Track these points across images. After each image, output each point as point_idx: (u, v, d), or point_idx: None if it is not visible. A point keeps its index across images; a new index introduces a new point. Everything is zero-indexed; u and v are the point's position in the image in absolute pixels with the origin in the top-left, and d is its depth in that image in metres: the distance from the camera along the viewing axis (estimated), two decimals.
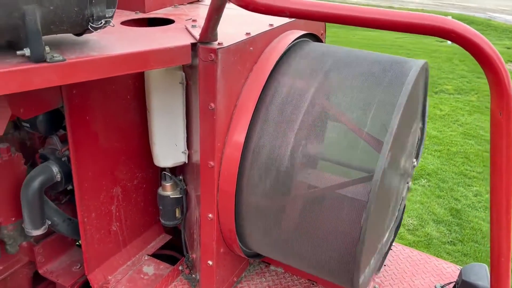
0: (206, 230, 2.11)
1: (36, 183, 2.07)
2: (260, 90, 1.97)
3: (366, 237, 1.69)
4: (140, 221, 2.65)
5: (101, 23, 1.49)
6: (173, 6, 2.48)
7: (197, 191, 2.21)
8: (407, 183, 2.30)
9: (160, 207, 2.50)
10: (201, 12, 2.44)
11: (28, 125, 2.11)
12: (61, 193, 2.50)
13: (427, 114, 2.26)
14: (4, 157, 2.08)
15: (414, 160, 2.26)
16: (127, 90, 2.24)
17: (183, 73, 2.08)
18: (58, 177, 2.17)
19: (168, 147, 2.27)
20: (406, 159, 2.09)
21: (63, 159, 2.21)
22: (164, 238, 2.80)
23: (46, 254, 2.50)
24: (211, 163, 1.95)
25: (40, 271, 2.49)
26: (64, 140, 2.27)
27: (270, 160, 1.92)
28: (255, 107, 1.97)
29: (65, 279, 2.46)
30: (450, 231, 5.63)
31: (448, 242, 5.42)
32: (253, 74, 2.01)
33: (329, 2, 1.35)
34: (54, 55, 1.44)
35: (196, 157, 2.21)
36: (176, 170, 2.44)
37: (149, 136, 2.38)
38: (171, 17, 2.20)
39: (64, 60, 1.44)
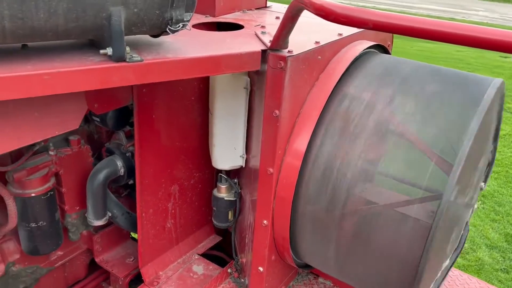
0: (260, 236, 2.11)
1: (101, 176, 2.15)
2: (325, 100, 1.95)
3: (427, 263, 1.62)
4: (193, 220, 2.69)
5: (179, 26, 1.53)
6: (241, 11, 2.50)
7: (252, 196, 2.22)
8: (472, 206, 2.19)
9: (214, 208, 2.53)
10: (269, 18, 2.45)
11: (98, 119, 2.20)
12: (121, 187, 2.60)
13: (499, 135, 2.14)
14: (74, 149, 2.19)
15: (482, 183, 2.15)
16: (192, 92, 2.29)
17: (248, 78, 2.10)
18: (122, 171, 2.25)
19: (227, 150, 2.30)
20: (475, 182, 1.99)
21: (127, 154, 2.29)
22: (214, 239, 2.84)
23: (103, 244, 2.60)
24: (270, 169, 1.94)
25: (97, 260, 2.60)
26: (129, 136, 2.35)
27: (330, 171, 1.89)
28: (319, 116, 1.94)
29: (119, 270, 2.55)
30: (504, 258, 5.31)
31: (501, 269, 5.11)
32: (319, 83, 1.98)
33: (409, 15, 1.31)
34: (133, 55, 1.49)
35: (254, 162, 2.22)
36: (231, 173, 2.46)
37: (209, 138, 2.42)
38: (240, 22, 2.23)
39: (142, 60, 1.49)
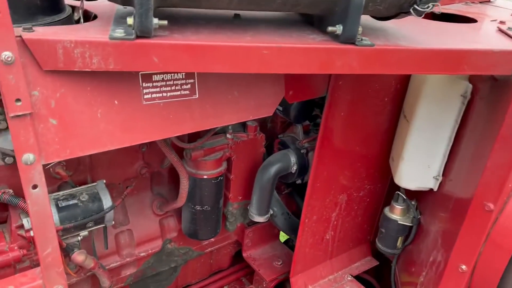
0: (451, 282, 1.69)
1: (273, 169, 1.96)
2: None
3: None
4: (352, 236, 2.37)
5: (428, 7, 1.19)
6: (464, 3, 2.07)
7: (443, 229, 1.81)
8: None
9: (382, 230, 2.17)
10: (503, 14, 1.97)
11: (280, 108, 2.01)
12: (284, 185, 2.40)
13: None
14: (250, 135, 2.03)
15: None
16: (387, 91, 1.95)
17: (470, 85, 1.68)
18: (294, 168, 2.02)
19: (418, 167, 1.91)
20: None
21: (301, 150, 2.05)
22: (370, 262, 2.48)
23: (253, 239, 2.44)
24: (490, 205, 1.51)
25: (244, 254, 2.45)
26: (305, 132, 2.12)
27: None
28: None
29: (266, 271, 2.36)
30: None
31: None
32: None
33: None
34: (362, 38, 1.22)
35: (453, 188, 1.80)
36: (409, 193, 2.07)
37: (393, 148, 2.06)
38: (468, 15, 1.81)
39: (373, 45, 1.20)
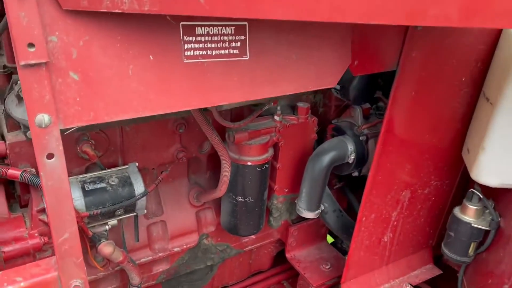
0: None
1: (326, 158, 1.69)
2: None
3: None
4: (413, 240, 2.07)
5: None
6: None
7: None
8: None
9: (450, 233, 1.86)
10: None
11: (338, 87, 1.75)
12: (336, 178, 2.13)
13: None
14: (300, 118, 1.77)
15: None
16: (465, 70, 1.65)
17: None
18: (351, 158, 1.75)
19: (502, 159, 1.60)
20: None
21: (360, 137, 1.78)
22: (431, 270, 2.16)
23: (298, 238, 2.18)
24: None
25: (288, 255, 2.19)
26: (365, 116, 1.84)
27: None
28: None
29: (313, 275, 2.09)
30: None
31: None
32: None
33: None
34: None
35: None
36: (485, 191, 1.76)
37: (470, 137, 1.75)
38: None
39: None
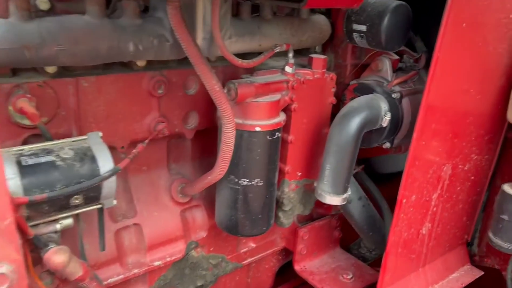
0: None
1: (357, 120, 1.27)
2: None
3: None
4: (449, 233, 1.68)
5: None
6: None
7: None
8: None
9: (502, 217, 1.50)
10: None
11: (364, 29, 1.37)
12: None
13: None
14: (316, 74, 1.37)
15: None
16: None
17: None
18: (386, 120, 1.34)
19: None
20: None
21: (393, 95, 1.40)
22: (471, 272, 1.78)
23: (309, 244, 1.72)
24: None
25: (297, 267, 1.72)
26: (397, 70, 1.47)
27: None
28: None
29: None
30: None
31: None
32: None
33: None
34: None
35: None
36: None
37: None
38: None
39: None
